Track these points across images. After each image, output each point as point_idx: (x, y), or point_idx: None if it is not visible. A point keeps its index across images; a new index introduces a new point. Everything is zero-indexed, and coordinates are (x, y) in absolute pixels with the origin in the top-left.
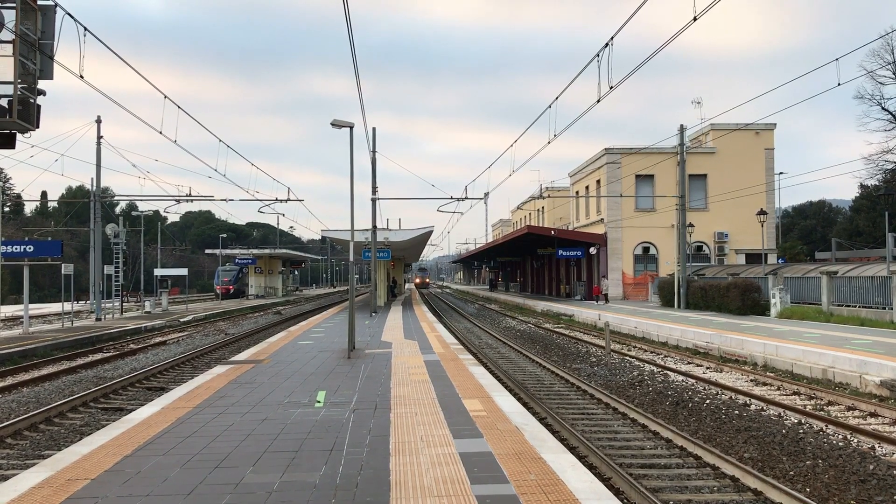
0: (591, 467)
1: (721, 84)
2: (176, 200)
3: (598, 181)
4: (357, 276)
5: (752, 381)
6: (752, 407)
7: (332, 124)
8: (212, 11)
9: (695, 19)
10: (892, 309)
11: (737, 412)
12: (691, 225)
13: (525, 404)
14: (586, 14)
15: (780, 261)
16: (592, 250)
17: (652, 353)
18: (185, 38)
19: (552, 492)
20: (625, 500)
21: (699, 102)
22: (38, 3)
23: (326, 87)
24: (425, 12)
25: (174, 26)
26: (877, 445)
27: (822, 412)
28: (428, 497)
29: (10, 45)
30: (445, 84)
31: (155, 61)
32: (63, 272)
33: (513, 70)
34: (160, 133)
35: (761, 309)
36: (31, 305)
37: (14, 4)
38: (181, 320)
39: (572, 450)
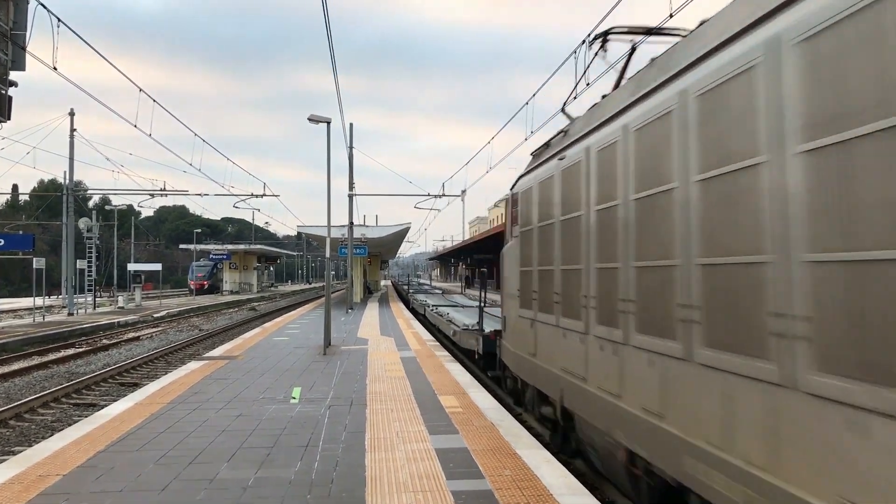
0: (565, 463)
1: None
2: (150, 195)
3: None
4: (333, 273)
5: None
6: None
7: (310, 119)
8: (203, 6)
9: (671, 16)
10: None
11: None
12: None
13: (501, 400)
14: (581, 12)
15: None
16: None
17: None
18: (175, 31)
19: (527, 487)
20: (599, 496)
21: None
22: None
23: (317, 83)
24: (416, 10)
25: (164, 19)
26: None
27: None
28: (403, 493)
29: None
30: (436, 80)
31: (149, 55)
32: (34, 266)
33: (503, 67)
34: (135, 126)
35: None
36: (1, 300)
37: None
38: (155, 316)
39: (547, 446)
